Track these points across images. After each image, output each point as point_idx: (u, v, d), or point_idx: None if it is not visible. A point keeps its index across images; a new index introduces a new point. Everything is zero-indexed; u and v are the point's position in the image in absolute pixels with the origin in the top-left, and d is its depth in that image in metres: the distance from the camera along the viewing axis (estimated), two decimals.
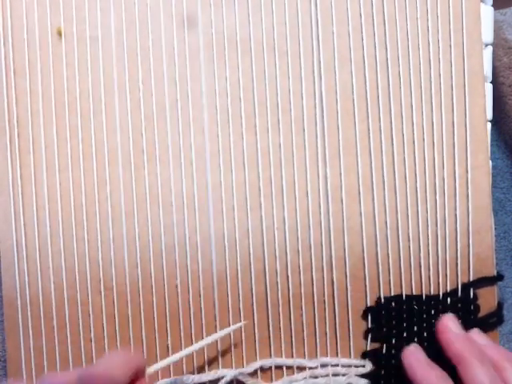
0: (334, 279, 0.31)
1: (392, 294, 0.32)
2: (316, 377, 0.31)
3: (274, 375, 0.31)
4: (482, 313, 0.32)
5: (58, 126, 0.31)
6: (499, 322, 0.32)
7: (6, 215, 0.30)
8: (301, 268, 0.31)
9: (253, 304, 0.31)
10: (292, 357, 0.31)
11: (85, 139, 0.31)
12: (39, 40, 0.30)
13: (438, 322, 0.30)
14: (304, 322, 0.31)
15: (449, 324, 0.30)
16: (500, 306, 0.33)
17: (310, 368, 0.31)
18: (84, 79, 0.31)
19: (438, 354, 0.30)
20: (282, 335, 0.31)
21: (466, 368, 0.28)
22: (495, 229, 0.33)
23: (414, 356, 0.30)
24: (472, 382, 0.27)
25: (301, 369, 0.31)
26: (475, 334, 0.30)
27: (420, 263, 0.32)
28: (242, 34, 0.31)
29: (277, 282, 0.31)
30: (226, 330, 0.30)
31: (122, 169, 0.31)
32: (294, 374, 0.31)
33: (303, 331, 0.31)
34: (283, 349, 0.31)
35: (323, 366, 0.31)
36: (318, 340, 0.31)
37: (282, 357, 0.31)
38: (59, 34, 0.30)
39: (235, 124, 0.31)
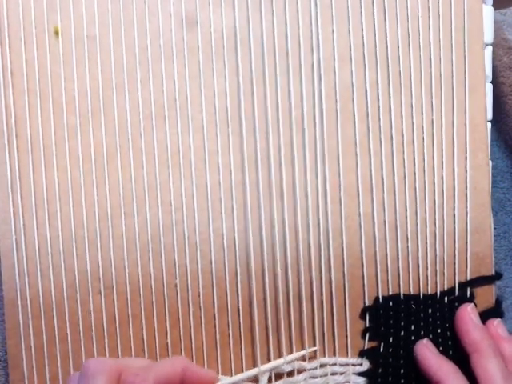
0: (333, 278, 0.31)
1: (390, 293, 0.32)
2: (315, 377, 0.31)
3: (273, 376, 0.31)
4: (480, 311, 0.32)
5: (56, 125, 0.30)
6: (498, 318, 0.32)
7: (6, 216, 0.30)
8: (300, 268, 0.31)
9: (252, 303, 0.31)
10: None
11: (83, 139, 0.31)
12: (36, 39, 0.30)
13: (459, 309, 0.31)
14: (303, 322, 0.31)
15: (469, 312, 0.31)
16: (498, 302, 0.33)
17: (310, 369, 0.31)
18: (82, 79, 0.30)
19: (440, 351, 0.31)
20: (282, 334, 0.31)
21: (479, 358, 0.29)
22: (495, 229, 0.33)
23: (427, 348, 0.31)
24: (484, 371, 0.29)
25: (300, 370, 0.32)
26: (496, 323, 0.31)
27: (418, 262, 0.32)
28: (241, 33, 0.31)
29: (275, 282, 0.31)
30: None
31: (121, 168, 0.31)
32: (294, 374, 0.31)
33: (302, 330, 0.31)
34: (283, 348, 0.31)
35: (322, 365, 0.31)
36: (316, 339, 0.31)
37: (281, 357, 0.31)
38: (56, 33, 0.30)
39: (234, 124, 0.31)
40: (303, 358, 0.31)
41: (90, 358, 0.31)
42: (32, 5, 0.30)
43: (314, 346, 0.31)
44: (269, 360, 0.31)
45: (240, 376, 0.30)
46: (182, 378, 0.27)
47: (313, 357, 0.32)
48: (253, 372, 0.30)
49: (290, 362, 0.31)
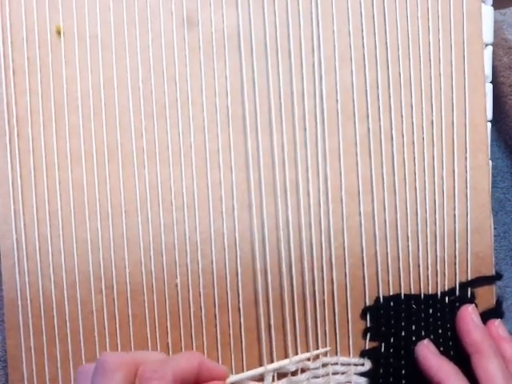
0: (334, 278, 0.31)
1: (391, 293, 0.32)
2: (317, 377, 0.31)
3: (276, 376, 0.31)
4: (480, 312, 0.32)
5: (57, 125, 0.30)
6: (498, 318, 0.32)
7: (6, 215, 0.30)
8: (304, 268, 0.31)
9: (254, 303, 0.31)
10: (296, 353, 0.31)
11: (85, 138, 0.31)
12: (38, 39, 0.30)
13: (461, 310, 0.31)
14: (308, 321, 0.31)
15: (470, 313, 0.31)
16: (499, 303, 0.33)
17: (313, 369, 0.31)
18: (84, 78, 0.30)
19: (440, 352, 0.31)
20: (287, 334, 0.31)
21: (480, 358, 0.29)
22: (495, 229, 0.33)
23: (428, 348, 0.31)
24: (485, 372, 0.29)
25: (303, 369, 0.31)
26: (497, 323, 0.31)
27: (419, 263, 0.32)
28: (242, 33, 0.31)
29: (281, 281, 0.31)
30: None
31: (122, 168, 0.31)
32: (297, 373, 0.31)
33: (306, 330, 0.31)
34: (288, 347, 0.31)
35: (324, 365, 0.31)
36: (319, 339, 0.31)
37: (283, 357, 0.31)
38: (58, 32, 0.30)
39: (235, 123, 0.31)
40: (307, 358, 0.31)
41: (90, 358, 0.30)
42: (34, 4, 0.30)
43: (316, 346, 0.31)
44: (271, 360, 0.31)
45: (246, 374, 0.30)
46: (197, 372, 0.27)
47: (316, 357, 0.32)
48: (259, 371, 0.30)
49: (295, 363, 0.31)
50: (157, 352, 0.30)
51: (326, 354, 0.31)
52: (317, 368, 0.31)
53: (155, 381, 0.24)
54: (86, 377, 0.25)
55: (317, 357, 0.31)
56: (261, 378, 0.31)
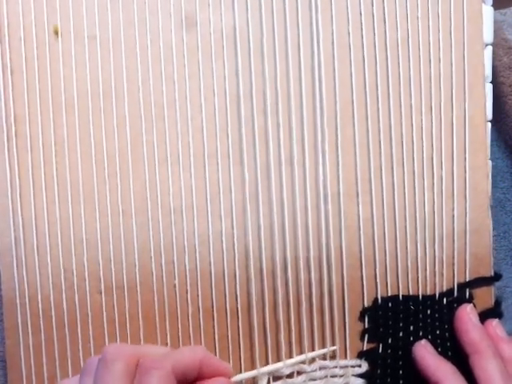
0: (332, 280, 0.31)
1: (389, 294, 0.32)
2: (315, 379, 0.31)
3: (271, 379, 0.31)
4: (478, 312, 0.32)
5: (55, 125, 0.30)
6: (497, 318, 0.32)
7: (4, 215, 0.30)
8: (299, 269, 0.31)
9: (250, 305, 0.31)
10: (290, 357, 0.31)
11: (83, 138, 0.30)
12: (36, 39, 0.30)
13: (459, 309, 0.31)
14: (302, 324, 0.31)
15: (468, 313, 0.31)
16: (497, 303, 0.33)
17: (309, 372, 0.31)
18: (82, 78, 0.30)
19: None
20: (281, 337, 0.31)
21: (479, 358, 0.29)
22: (495, 229, 0.33)
23: (426, 349, 0.31)
24: (483, 372, 0.29)
25: (300, 372, 0.31)
26: (494, 324, 0.31)
27: (417, 263, 0.32)
28: (240, 34, 0.31)
29: (274, 283, 0.31)
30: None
31: (120, 168, 0.31)
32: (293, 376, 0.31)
33: (301, 332, 0.31)
34: (281, 350, 0.31)
35: (321, 368, 0.31)
36: (316, 340, 0.31)
37: (280, 358, 0.31)
38: (56, 32, 0.30)
39: (233, 124, 0.31)
40: (303, 361, 0.31)
41: (88, 357, 0.30)
42: (32, 4, 0.30)
43: (313, 348, 0.31)
44: (267, 362, 0.31)
45: (239, 376, 0.30)
46: (199, 367, 0.26)
47: (312, 360, 0.31)
48: (252, 374, 0.30)
49: (291, 366, 0.31)
50: (160, 346, 0.30)
51: (325, 358, 0.31)
52: (314, 371, 0.31)
53: (154, 370, 0.24)
54: (91, 368, 0.25)
55: (313, 360, 0.31)
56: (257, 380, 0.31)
